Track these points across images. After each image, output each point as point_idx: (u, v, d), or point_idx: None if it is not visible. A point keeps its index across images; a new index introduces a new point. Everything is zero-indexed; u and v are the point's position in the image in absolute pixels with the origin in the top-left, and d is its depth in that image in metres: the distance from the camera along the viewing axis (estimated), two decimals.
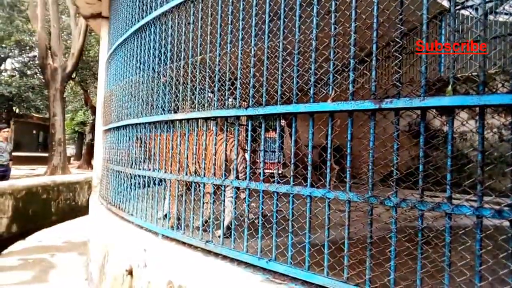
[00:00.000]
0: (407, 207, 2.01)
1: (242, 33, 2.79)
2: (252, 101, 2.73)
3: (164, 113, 3.65)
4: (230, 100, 3.02)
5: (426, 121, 2.06)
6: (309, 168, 2.45)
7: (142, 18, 4.24)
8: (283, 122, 12.89)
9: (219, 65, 2.95)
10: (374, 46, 2.14)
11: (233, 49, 2.85)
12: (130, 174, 4.35)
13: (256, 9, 2.70)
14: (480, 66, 1.85)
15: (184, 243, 3.24)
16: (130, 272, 3.68)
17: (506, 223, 1.75)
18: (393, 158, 2.13)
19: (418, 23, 2.20)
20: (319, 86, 2.43)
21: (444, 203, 1.89)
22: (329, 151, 2.36)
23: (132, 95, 4.48)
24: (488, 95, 1.78)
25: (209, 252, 2.98)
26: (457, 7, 7.38)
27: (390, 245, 2.06)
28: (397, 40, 2.08)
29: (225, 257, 2.83)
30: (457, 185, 2.03)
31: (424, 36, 1.98)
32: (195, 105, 3.20)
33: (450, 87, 1.90)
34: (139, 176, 4.14)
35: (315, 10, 2.39)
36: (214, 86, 3.00)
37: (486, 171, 1.88)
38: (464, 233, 1.94)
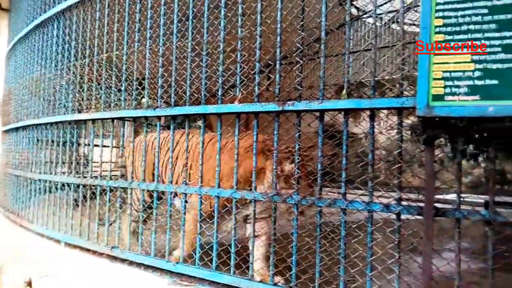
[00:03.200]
0: (307, 204, 2.12)
1: (150, 32, 2.74)
2: (161, 101, 2.69)
3: (68, 113, 3.44)
4: (143, 100, 2.93)
5: (329, 122, 2.18)
6: (217, 169, 2.47)
7: (45, 11, 3.96)
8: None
9: (126, 63, 2.86)
10: (278, 50, 2.22)
11: (141, 48, 2.78)
12: (30, 178, 4.04)
13: (164, 8, 2.66)
14: (371, 72, 2.01)
15: (88, 250, 3.08)
16: (29, 284, 3.39)
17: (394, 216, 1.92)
18: (302, 157, 2.22)
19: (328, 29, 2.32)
20: (226, 87, 2.47)
21: (339, 199, 2.02)
22: (236, 151, 2.39)
23: (32, 94, 4.17)
24: (378, 98, 1.95)
25: (115, 258, 2.87)
26: (352, 18, 7.92)
27: (292, 241, 2.15)
28: (299, 45, 2.19)
29: (132, 263, 2.74)
30: (364, 183, 2.15)
31: (322, 42, 2.10)
32: (101, 105, 3.05)
33: (344, 90, 2.03)
34: (40, 180, 3.85)
35: (222, 13, 2.42)
36: (121, 85, 2.90)
37: (388, 169, 2.04)
38: (358, 227, 2.08)
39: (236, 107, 2.33)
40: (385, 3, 7.02)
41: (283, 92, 2.26)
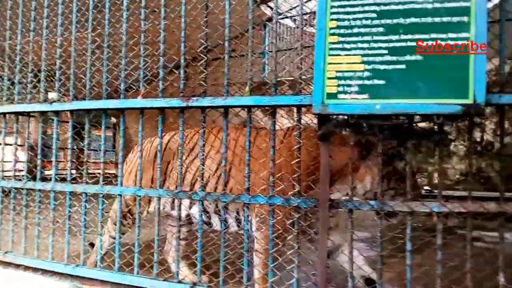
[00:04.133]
0: (212, 200, 2.13)
1: (46, 21, 2.55)
2: (59, 95, 2.52)
3: None
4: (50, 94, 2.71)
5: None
6: (129, 168, 2.38)
7: None
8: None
9: (20, 54, 2.64)
10: (182, 45, 2.20)
11: (36, 38, 2.58)
12: None
13: None
14: (272, 70, 2.07)
15: None
16: None
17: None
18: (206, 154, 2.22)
19: (240, 28, 2.34)
20: (129, 82, 2.39)
21: (243, 194, 2.05)
22: (139, 148, 2.33)
23: None
24: (278, 96, 2.01)
25: (9, 263, 2.65)
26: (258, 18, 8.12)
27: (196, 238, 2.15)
28: (203, 41, 2.18)
29: (27, 268, 2.55)
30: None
31: (226, 39, 2.12)
32: None
33: (247, 88, 2.07)
34: None
35: (125, 4, 2.33)
36: (15, 77, 2.66)
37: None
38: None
39: (139, 102, 2.26)
40: (295, 7, 7.26)
41: (188, 88, 2.24)
